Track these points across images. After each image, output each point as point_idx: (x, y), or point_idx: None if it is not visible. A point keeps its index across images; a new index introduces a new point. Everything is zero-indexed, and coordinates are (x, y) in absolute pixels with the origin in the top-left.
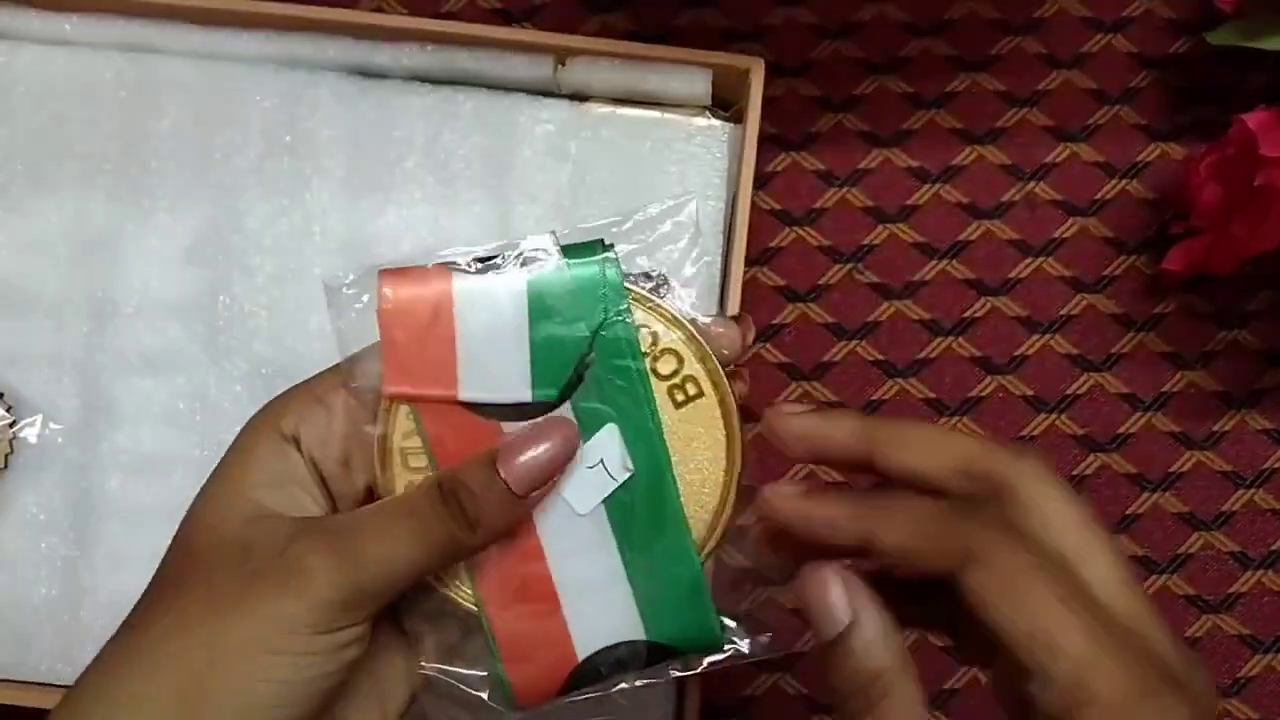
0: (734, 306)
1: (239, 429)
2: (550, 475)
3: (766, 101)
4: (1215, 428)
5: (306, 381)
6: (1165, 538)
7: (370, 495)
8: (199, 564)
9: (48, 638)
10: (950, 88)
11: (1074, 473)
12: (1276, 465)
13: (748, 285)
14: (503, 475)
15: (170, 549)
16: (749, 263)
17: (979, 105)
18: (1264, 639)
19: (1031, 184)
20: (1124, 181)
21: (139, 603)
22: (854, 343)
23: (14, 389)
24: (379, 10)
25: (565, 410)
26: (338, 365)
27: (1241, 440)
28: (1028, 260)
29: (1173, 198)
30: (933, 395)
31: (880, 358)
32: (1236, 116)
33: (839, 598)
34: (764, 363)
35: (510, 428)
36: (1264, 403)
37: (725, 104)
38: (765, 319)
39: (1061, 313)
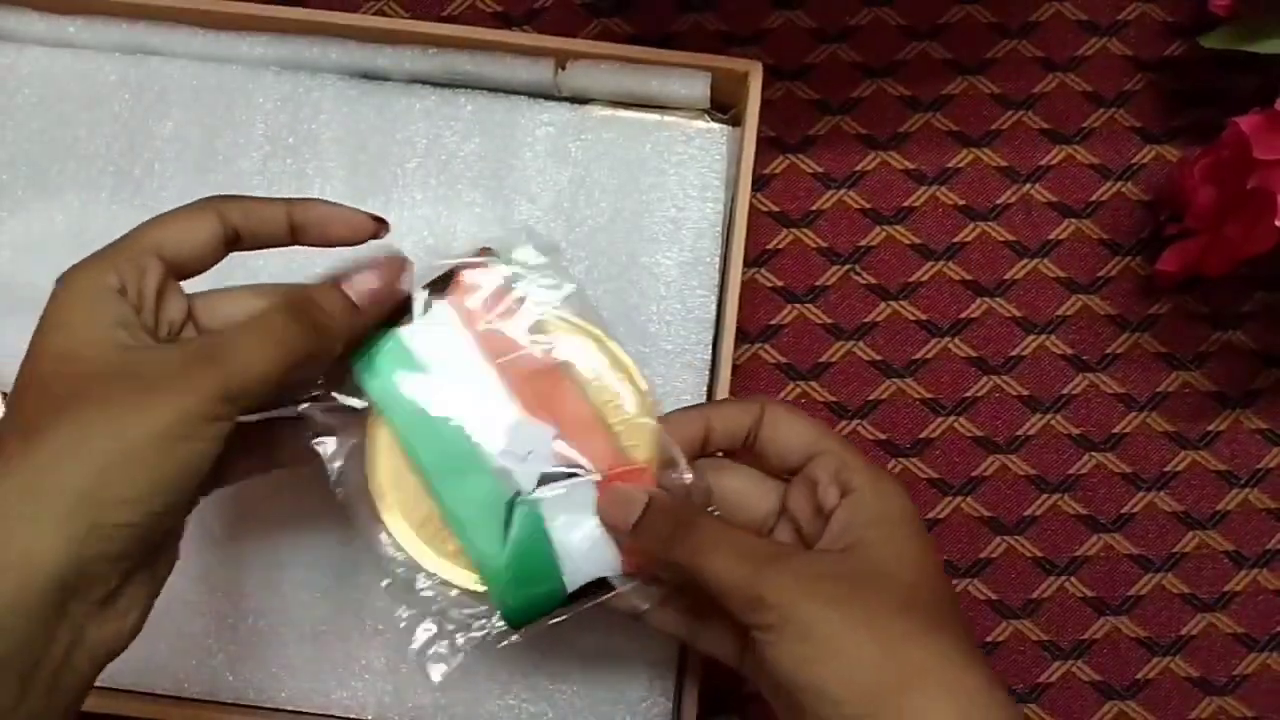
0: (732, 306)
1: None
2: (385, 296)
3: (765, 104)
4: (1210, 428)
5: (118, 244)
6: (1160, 537)
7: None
8: (88, 384)
9: None
10: (947, 91)
11: (1069, 472)
12: (1271, 465)
13: (746, 286)
14: (347, 291)
15: (25, 385)
16: (747, 264)
17: (975, 108)
18: (1259, 637)
19: (1027, 186)
20: (1119, 183)
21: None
22: (851, 343)
23: None
24: (381, 14)
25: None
26: (139, 233)
27: (1236, 440)
28: (1023, 261)
29: (1167, 200)
30: (929, 395)
31: (877, 358)
32: (1230, 119)
33: (632, 489)
34: (763, 363)
35: None
36: (1258, 403)
37: (724, 107)
38: (763, 320)
39: (1057, 313)
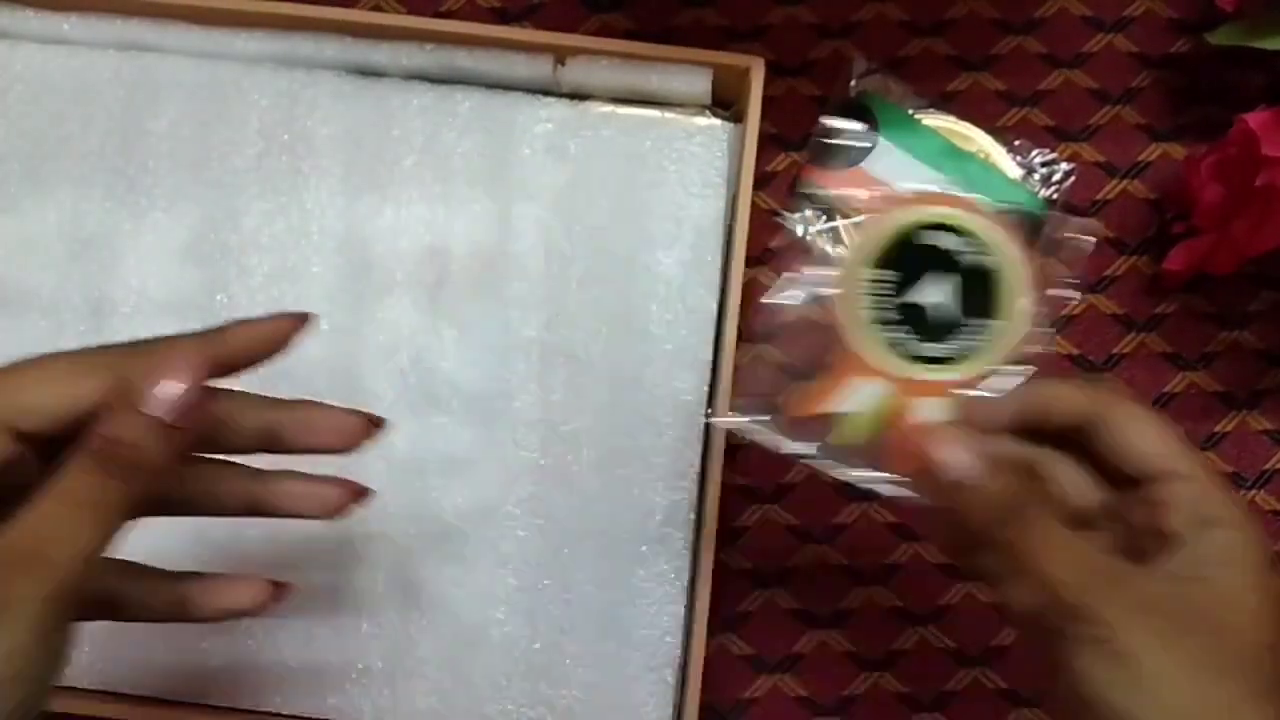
0: (734, 305)
1: None
2: (194, 400)
3: (766, 101)
4: (1216, 428)
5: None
6: None
7: None
8: None
9: None
10: (951, 87)
11: None
12: (1278, 466)
13: (747, 285)
14: (151, 413)
15: None
16: (749, 262)
17: (980, 105)
18: None
19: None
20: (1125, 181)
21: None
22: None
23: None
24: (377, 9)
25: None
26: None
27: (1242, 441)
28: None
29: (1174, 198)
30: None
31: None
32: (1237, 116)
33: (966, 446)
34: (762, 362)
35: None
36: (1265, 403)
37: (725, 103)
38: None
39: (1062, 313)
